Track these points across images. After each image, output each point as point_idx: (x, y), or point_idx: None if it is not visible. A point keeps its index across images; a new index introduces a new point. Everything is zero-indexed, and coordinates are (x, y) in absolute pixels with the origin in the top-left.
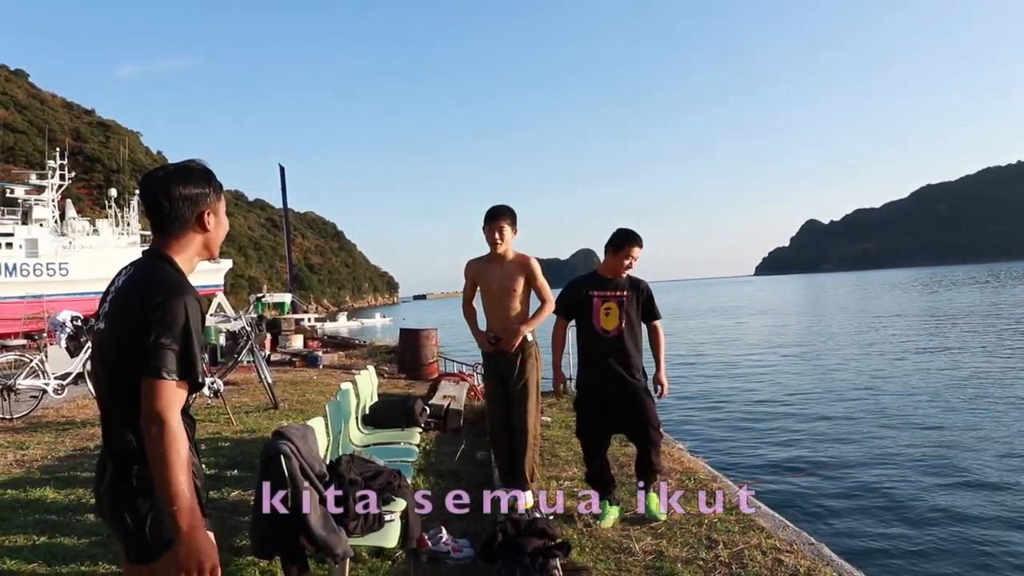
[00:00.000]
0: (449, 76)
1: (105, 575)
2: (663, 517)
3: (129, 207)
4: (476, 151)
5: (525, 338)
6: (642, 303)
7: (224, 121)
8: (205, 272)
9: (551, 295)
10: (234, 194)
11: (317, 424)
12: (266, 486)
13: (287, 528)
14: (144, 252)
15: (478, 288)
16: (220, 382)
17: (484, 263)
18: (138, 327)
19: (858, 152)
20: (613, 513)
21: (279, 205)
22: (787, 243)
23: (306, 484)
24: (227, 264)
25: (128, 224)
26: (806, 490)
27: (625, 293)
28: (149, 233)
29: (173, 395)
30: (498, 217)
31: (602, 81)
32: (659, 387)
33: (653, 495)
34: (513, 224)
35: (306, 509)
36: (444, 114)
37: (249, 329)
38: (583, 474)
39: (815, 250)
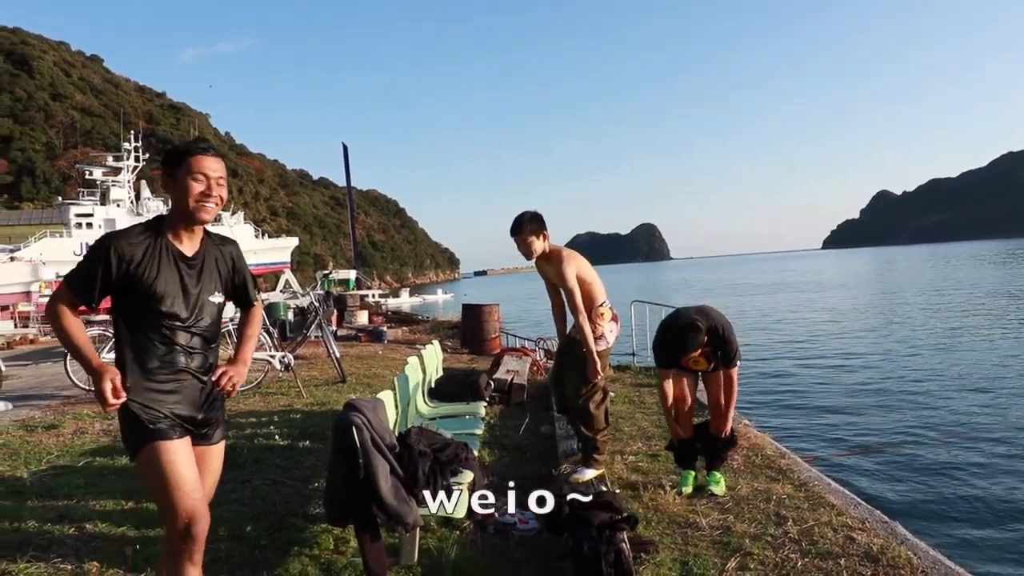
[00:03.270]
0: (514, 52)
1: None
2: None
3: None
4: (537, 127)
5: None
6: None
7: (288, 102)
8: (272, 250)
9: (577, 298)
10: (299, 173)
11: (386, 397)
12: (339, 456)
13: (360, 497)
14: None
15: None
16: (290, 356)
17: (540, 260)
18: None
19: (935, 117)
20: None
21: (343, 183)
22: (857, 215)
23: (377, 455)
24: (293, 242)
25: None
26: (878, 467)
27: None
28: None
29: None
30: (516, 233)
31: (668, 53)
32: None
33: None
34: (537, 232)
35: (378, 479)
36: (507, 91)
37: (317, 305)
38: (647, 448)
39: (886, 222)
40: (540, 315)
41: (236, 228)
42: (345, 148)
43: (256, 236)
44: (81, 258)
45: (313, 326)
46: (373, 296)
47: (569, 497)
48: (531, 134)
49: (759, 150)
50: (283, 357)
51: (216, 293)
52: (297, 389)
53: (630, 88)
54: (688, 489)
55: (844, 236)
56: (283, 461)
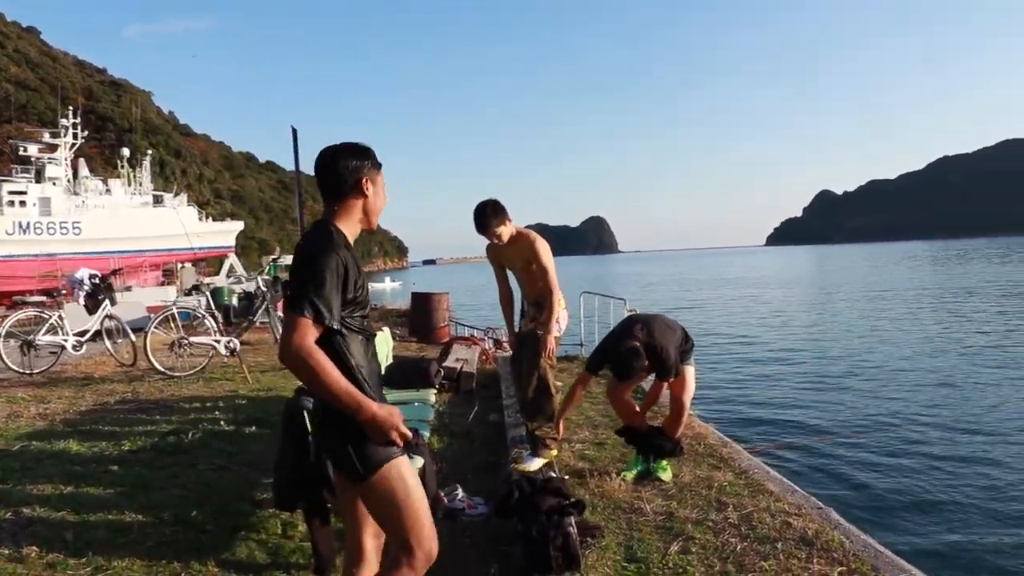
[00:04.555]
0: (467, 45)
1: (131, 523)
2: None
3: (142, 167)
4: (487, 118)
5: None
6: None
7: (237, 84)
8: (216, 234)
9: (554, 280)
10: (245, 156)
11: None
12: (289, 441)
13: (310, 482)
14: (314, 223)
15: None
16: (236, 341)
17: (502, 245)
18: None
19: (876, 120)
20: (637, 465)
21: (290, 167)
22: (800, 213)
23: None
24: (238, 225)
25: (140, 184)
26: (814, 457)
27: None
28: (162, 193)
29: (308, 329)
30: (484, 229)
31: (613, 54)
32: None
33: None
34: (502, 220)
35: (329, 463)
36: (458, 82)
37: (265, 290)
38: (593, 437)
39: (828, 221)
40: (489, 305)
41: (179, 210)
42: (294, 131)
43: (199, 219)
44: (313, 279)
45: (260, 311)
46: None
47: (518, 482)
48: (484, 125)
49: (707, 147)
50: (228, 342)
51: None
52: (243, 375)
53: (582, 81)
54: (631, 476)
55: (787, 234)
56: (228, 446)
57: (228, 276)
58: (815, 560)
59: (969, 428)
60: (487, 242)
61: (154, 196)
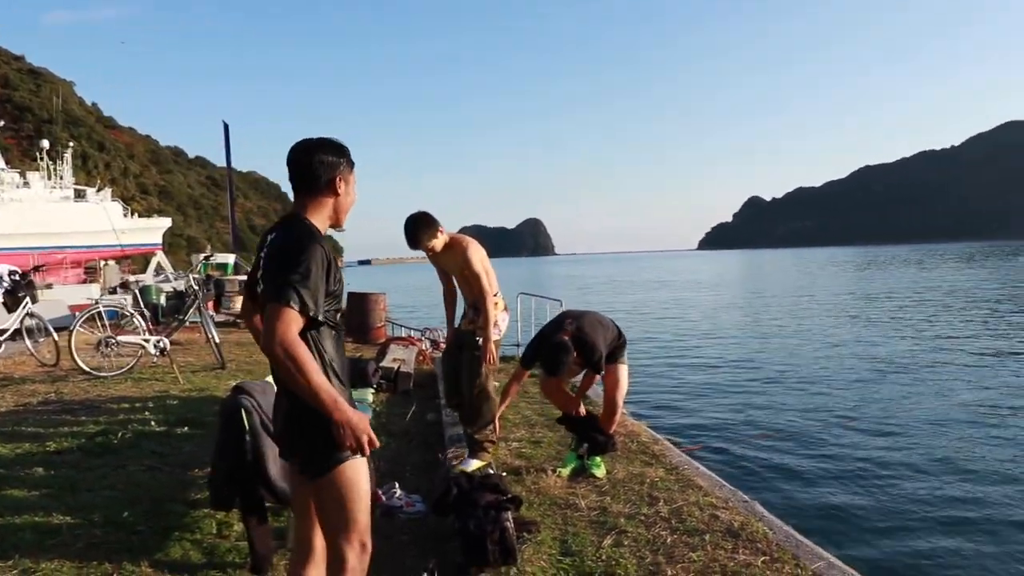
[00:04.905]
0: (403, 37)
1: (59, 525)
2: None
3: (62, 159)
4: (424, 116)
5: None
6: None
7: (164, 75)
8: (143, 231)
9: (486, 286)
10: (173, 150)
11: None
12: (226, 439)
13: (247, 480)
14: (283, 217)
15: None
16: (166, 340)
17: (441, 252)
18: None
19: (803, 128)
20: (572, 461)
21: (220, 163)
22: (730, 219)
23: (267, 437)
24: (166, 222)
25: (61, 177)
26: (742, 454)
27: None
28: (85, 187)
29: (292, 319)
30: (414, 244)
31: (554, 53)
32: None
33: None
34: (431, 234)
35: (267, 461)
36: (402, 79)
37: (197, 288)
38: (530, 435)
39: (757, 226)
40: (426, 306)
41: (103, 206)
42: (226, 126)
43: (124, 215)
44: (298, 268)
45: (191, 310)
46: None
47: (456, 478)
48: (421, 122)
49: (641, 151)
50: (158, 341)
51: None
52: (173, 375)
53: (519, 83)
54: (566, 472)
55: (718, 238)
56: (159, 447)
57: (156, 274)
58: (740, 550)
59: (888, 427)
60: None
61: (76, 190)
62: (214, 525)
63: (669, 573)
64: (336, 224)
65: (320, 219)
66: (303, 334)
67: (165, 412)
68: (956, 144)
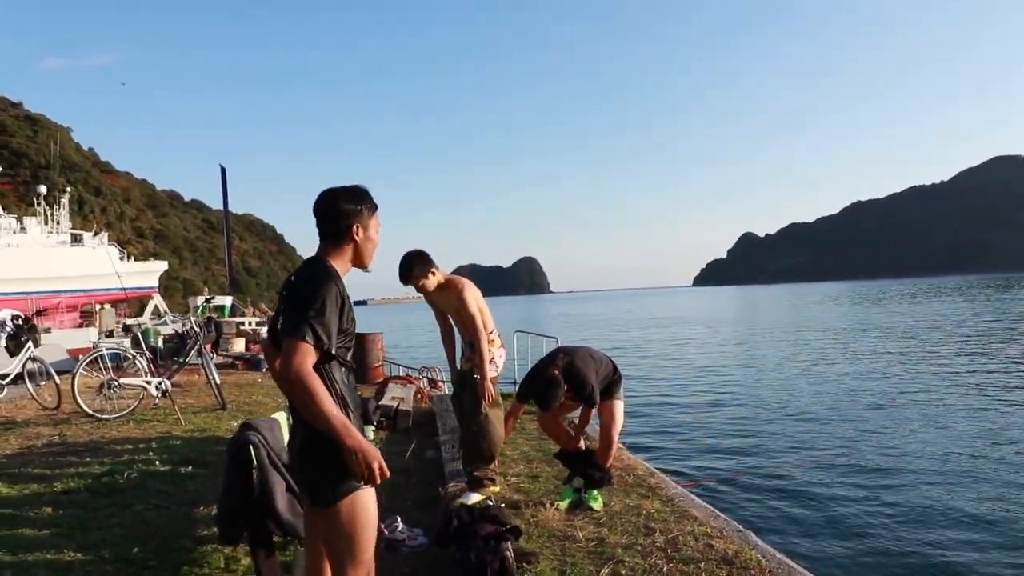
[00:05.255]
0: (395, 77)
1: (71, 561)
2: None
3: (59, 204)
4: (417, 157)
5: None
6: None
7: (158, 119)
8: (139, 274)
9: (480, 327)
10: (169, 194)
11: (280, 417)
12: (234, 474)
13: (255, 514)
14: (306, 259)
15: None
16: (168, 383)
17: (435, 291)
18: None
19: (795, 164)
20: (569, 495)
21: (216, 206)
22: (725, 255)
23: (274, 472)
24: (162, 265)
25: (58, 222)
26: (737, 488)
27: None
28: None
29: (308, 353)
30: (407, 281)
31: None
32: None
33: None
34: (425, 272)
35: (275, 495)
36: (397, 120)
37: (198, 330)
38: (528, 471)
39: (751, 262)
40: (422, 345)
41: (99, 250)
42: (223, 170)
43: (121, 258)
44: (313, 305)
45: (192, 352)
46: (250, 323)
47: (457, 511)
48: (416, 165)
49: (636, 188)
50: (160, 383)
51: None
52: (175, 416)
53: (514, 122)
54: (564, 505)
55: (713, 274)
56: (165, 486)
57: (153, 317)
58: None
59: (882, 459)
60: None
61: (72, 235)
62: (222, 560)
63: None
64: (360, 266)
65: (340, 262)
66: (316, 367)
67: (169, 452)
68: (946, 179)
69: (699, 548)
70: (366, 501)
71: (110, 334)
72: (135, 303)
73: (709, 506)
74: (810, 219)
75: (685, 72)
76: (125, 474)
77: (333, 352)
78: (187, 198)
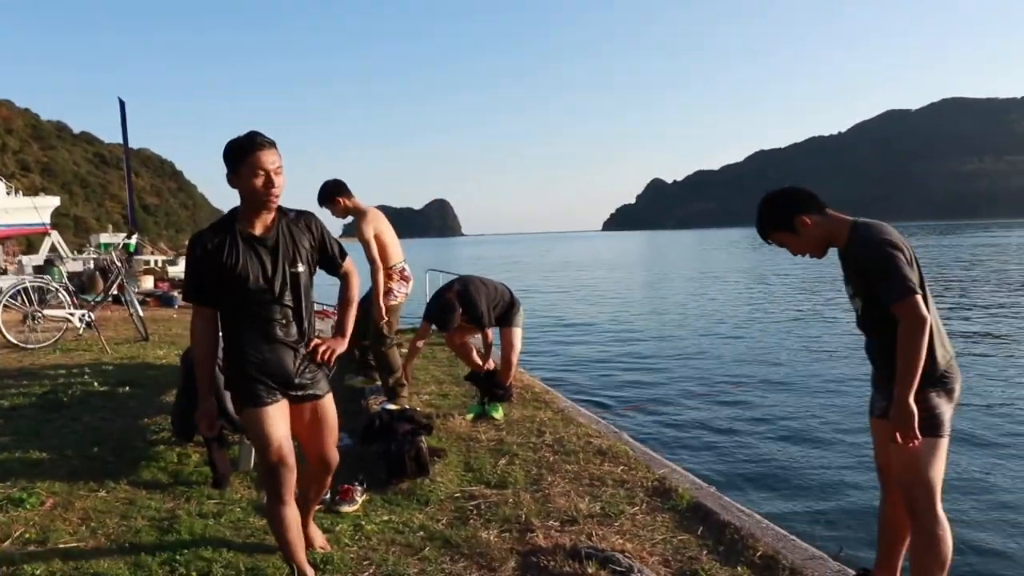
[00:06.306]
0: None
1: (39, 459)
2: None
3: None
4: (332, 95)
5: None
6: None
7: (46, 47)
8: (29, 210)
9: (372, 251)
10: (56, 125)
11: None
12: (190, 381)
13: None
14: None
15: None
16: (91, 315)
17: (347, 220)
18: None
19: (704, 111)
20: (475, 410)
21: (109, 139)
22: (634, 200)
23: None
24: (54, 201)
25: None
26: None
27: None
28: None
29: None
30: (322, 204)
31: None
32: None
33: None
34: (333, 196)
35: (226, 398)
36: (306, 56)
37: (119, 264)
38: (438, 390)
39: (659, 208)
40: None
41: None
42: (122, 104)
43: (8, 193)
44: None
45: (114, 285)
46: (156, 262)
47: (379, 413)
48: (327, 101)
49: (546, 132)
50: (83, 315)
51: (298, 264)
52: (100, 346)
53: (427, 64)
54: (470, 416)
55: (622, 219)
56: (107, 403)
57: (51, 255)
58: (606, 463)
59: (783, 392)
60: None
61: None
62: (175, 456)
63: (549, 479)
64: (257, 204)
65: (244, 209)
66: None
67: (104, 376)
68: (843, 131)
69: (580, 444)
70: (248, 419)
71: (4, 271)
72: (22, 241)
73: (592, 414)
74: (716, 167)
75: (607, 5)
76: (69, 392)
77: (210, 302)
78: (76, 130)
